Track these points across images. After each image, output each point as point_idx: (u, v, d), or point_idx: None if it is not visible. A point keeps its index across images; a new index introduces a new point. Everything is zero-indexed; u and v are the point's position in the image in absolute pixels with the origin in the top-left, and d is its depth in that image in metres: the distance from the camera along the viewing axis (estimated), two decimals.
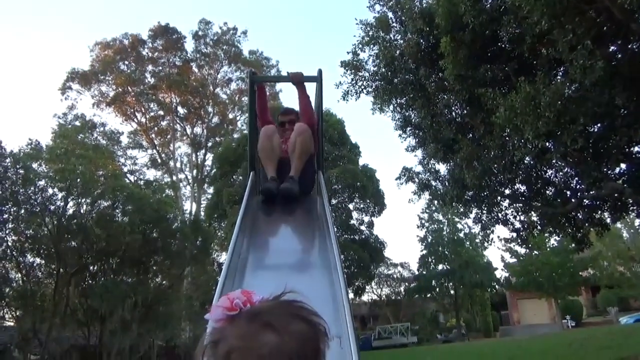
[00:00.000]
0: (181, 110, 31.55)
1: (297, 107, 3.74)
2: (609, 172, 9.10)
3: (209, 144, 31.63)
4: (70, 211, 15.10)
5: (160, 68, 30.47)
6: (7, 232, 14.45)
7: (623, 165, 9.17)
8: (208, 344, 0.86)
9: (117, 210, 15.89)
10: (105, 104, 29.71)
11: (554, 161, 9.51)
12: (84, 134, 27.40)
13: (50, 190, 14.63)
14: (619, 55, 7.61)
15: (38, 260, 15.63)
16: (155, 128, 31.47)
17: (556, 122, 6.82)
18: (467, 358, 14.99)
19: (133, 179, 26.24)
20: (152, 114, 31.27)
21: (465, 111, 9.69)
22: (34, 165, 14.81)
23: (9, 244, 14.60)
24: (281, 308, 0.84)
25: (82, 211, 15.32)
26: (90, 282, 16.43)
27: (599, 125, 8.29)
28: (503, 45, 8.83)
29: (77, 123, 28.31)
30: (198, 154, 31.55)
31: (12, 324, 15.80)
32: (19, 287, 14.96)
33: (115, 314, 14.53)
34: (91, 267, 16.36)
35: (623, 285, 29.20)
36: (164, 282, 18.17)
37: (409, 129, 11.09)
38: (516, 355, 13.33)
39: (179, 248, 16.57)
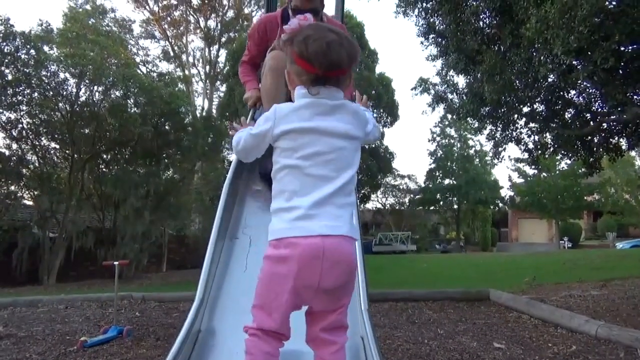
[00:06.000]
0: (195, 1, 30.16)
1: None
2: (634, 96, 8.76)
3: (223, 39, 30.60)
4: (83, 98, 15.06)
5: None
6: (21, 114, 14.58)
7: None
8: (288, 36, 1.31)
9: (130, 101, 15.81)
10: None
11: (579, 81, 9.13)
12: (95, 18, 26.48)
13: (62, 75, 14.46)
14: None
15: (53, 144, 15.94)
16: (168, 18, 30.31)
17: (589, 37, 6.41)
18: (462, 267, 15.66)
19: (145, 70, 25.79)
20: (164, 2, 29.96)
21: (495, 21, 9.13)
22: (45, 48, 14.51)
23: (24, 126, 14.80)
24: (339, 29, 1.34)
25: (94, 99, 15.27)
26: (103, 169, 16.86)
27: (634, 45, 7.81)
28: None
29: (88, 7, 27.25)
30: (211, 49, 30.67)
31: (30, 203, 16.48)
32: (36, 168, 15.41)
33: (128, 201, 15.07)
34: (104, 155, 16.68)
35: (625, 212, 29.57)
36: (175, 175, 18.59)
37: (431, 36, 10.56)
38: (510, 268, 13.87)
39: (191, 143, 16.69)
